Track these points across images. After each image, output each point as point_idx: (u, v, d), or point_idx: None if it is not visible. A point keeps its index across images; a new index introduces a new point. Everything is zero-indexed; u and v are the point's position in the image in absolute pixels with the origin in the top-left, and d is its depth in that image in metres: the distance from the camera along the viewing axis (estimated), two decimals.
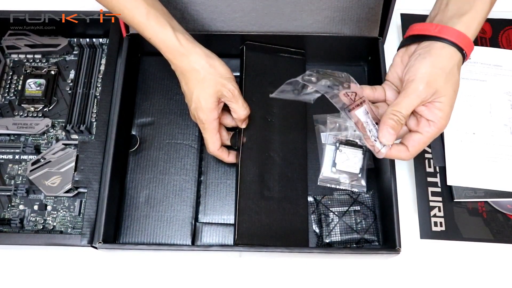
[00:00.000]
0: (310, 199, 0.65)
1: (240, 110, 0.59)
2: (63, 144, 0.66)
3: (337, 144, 0.64)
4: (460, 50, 0.50)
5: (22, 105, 0.69)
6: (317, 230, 0.63)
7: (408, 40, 0.54)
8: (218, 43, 0.66)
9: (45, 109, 0.69)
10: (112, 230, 0.61)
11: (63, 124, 0.68)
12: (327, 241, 0.62)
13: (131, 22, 0.56)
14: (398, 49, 0.55)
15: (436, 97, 0.49)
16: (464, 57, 0.51)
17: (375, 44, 0.67)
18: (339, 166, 0.64)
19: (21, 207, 0.64)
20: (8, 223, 0.62)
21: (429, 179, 0.65)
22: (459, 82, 0.50)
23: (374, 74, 0.68)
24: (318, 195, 0.65)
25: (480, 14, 0.51)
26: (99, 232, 0.57)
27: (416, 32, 0.53)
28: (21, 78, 0.71)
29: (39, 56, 0.72)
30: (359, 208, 0.64)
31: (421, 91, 0.49)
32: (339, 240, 0.62)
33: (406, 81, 0.50)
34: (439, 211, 0.64)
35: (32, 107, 0.69)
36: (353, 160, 0.64)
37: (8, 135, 0.68)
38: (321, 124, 0.68)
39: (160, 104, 0.69)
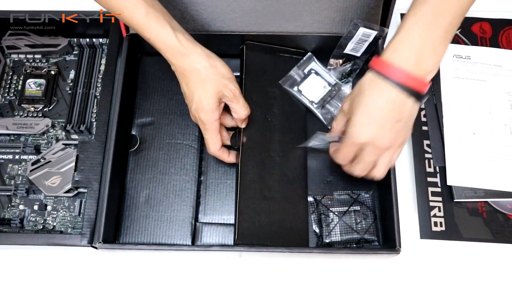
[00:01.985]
0: (310, 199, 0.65)
1: (241, 110, 0.59)
2: (63, 144, 0.66)
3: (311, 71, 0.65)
4: (377, 73, 0.51)
5: (22, 105, 0.69)
6: (317, 230, 0.63)
7: None
8: (218, 43, 0.65)
9: (45, 109, 0.69)
10: (112, 230, 0.61)
11: (63, 124, 0.68)
12: (327, 241, 0.62)
13: (131, 22, 0.56)
14: None
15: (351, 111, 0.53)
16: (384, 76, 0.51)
17: (375, 44, 0.67)
18: (303, 87, 0.63)
19: (21, 207, 0.64)
20: (8, 223, 0.62)
21: (429, 179, 0.65)
22: (371, 101, 0.51)
23: None
24: (318, 195, 0.65)
25: (404, 34, 0.50)
26: (99, 232, 0.57)
27: None
28: (21, 78, 0.71)
29: (39, 56, 0.72)
30: (359, 208, 0.64)
31: (342, 106, 0.56)
32: (339, 240, 0.62)
33: None
34: (439, 211, 0.64)
35: (32, 107, 0.69)
36: (317, 89, 0.64)
37: (8, 135, 0.68)
38: None
39: (160, 104, 0.69)
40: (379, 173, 0.55)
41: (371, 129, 0.52)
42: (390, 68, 0.50)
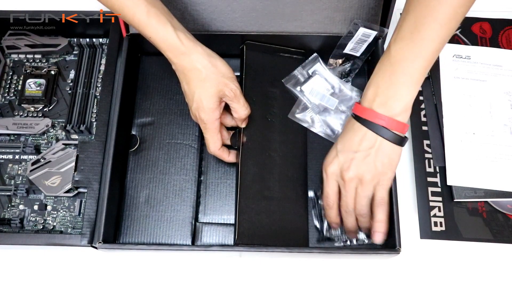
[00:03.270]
0: (310, 193, 0.65)
1: (241, 110, 0.59)
2: (63, 144, 0.66)
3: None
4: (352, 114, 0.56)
5: (22, 105, 0.69)
6: (318, 225, 0.63)
7: None
8: (218, 43, 0.65)
9: (45, 109, 0.69)
10: (112, 230, 0.61)
11: (63, 124, 0.68)
12: (328, 235, 0.62)
13: (132, 21, 0.56)
14: None
15: None
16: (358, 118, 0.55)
17: (375, 44, 0.67)
18: (306, 87, 0.65)
19: (21, 207, 0.64)
20: (8, 223, 0.62)
21: (429, 179, 0.65)
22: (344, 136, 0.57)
23: None
24: (318, 190, 0.65)
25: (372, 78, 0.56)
26: (99, 232, 0.57)
27: None
28: (21, 78, 0.71)
29: (39, 56, 0.72)
30: None
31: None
32: (339, 234, 0.62)
33: None
34: (439, 211, 0.64)
35: (32, 107, 0.69)
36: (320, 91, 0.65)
37: (8, 135, 0.68)
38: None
39: (160, 104, 0.69)
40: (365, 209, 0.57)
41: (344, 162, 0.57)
42: (357, 108, 0.56)
